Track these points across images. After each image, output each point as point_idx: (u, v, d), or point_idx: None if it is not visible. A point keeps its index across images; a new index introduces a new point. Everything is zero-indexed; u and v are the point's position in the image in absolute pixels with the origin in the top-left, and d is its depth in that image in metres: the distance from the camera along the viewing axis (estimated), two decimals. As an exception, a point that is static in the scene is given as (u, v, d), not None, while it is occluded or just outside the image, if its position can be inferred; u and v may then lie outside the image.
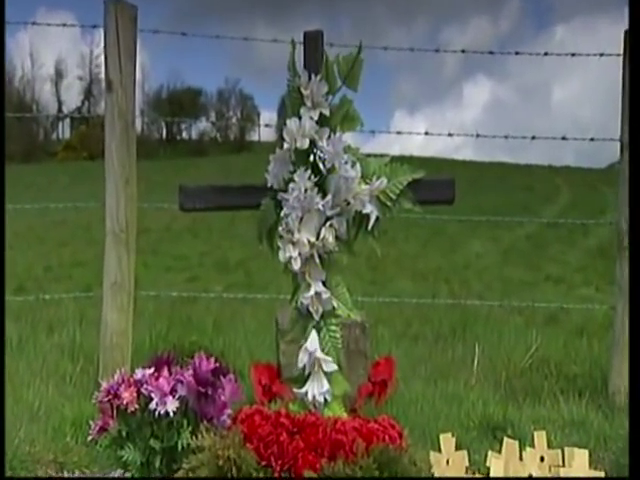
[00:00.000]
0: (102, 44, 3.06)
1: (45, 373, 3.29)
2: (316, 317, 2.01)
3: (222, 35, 4.19)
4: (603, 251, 10.06)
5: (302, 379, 2.01)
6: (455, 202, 2.16)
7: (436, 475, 1.95)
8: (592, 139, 3.77)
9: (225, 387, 1.92)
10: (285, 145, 2.05)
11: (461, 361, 3.76)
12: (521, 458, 2.00)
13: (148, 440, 1.86)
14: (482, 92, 78.13)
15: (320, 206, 2.00)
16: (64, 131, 47.17)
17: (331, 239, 2.01)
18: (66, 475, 2.25)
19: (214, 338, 3.93)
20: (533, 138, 3.82)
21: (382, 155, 2.15)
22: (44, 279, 8.83)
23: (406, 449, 1.77)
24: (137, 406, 1.88)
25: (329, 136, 2.04)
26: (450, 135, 3.92)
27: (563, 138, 3.81)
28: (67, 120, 45.70)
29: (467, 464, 2.06)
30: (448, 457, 2.04)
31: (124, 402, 1.87)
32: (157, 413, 1.85)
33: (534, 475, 1.99)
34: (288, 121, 2.04)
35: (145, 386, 1.88)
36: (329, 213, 2.03)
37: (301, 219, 2.02)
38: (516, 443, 2.01)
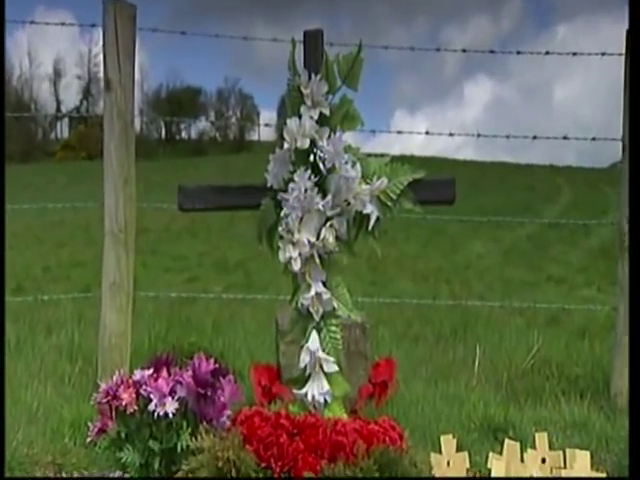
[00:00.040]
0: (101, 43, 3.05)
1: (43, 374, 3.28)
2: (316, 318, 2.01)
3: (221, 34, 4.17)
4: (605, 251, 10.05)
5: (302, 380, 2.00)
6: (456, 202, 2.15)
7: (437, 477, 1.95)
8: (594, 139, 3.75)
9: (224, 388, 1.91)
10: (285, 145, 2.05)
11: (462, 362, 3.75)
12: (522, 460, 1.99)
13: (147, 441, 1.86)
14: (483, 91, 78.19)
15: (320, 206, 2.00)
16: (62, 131, 47.23)
17: (331, 239, 2.01)
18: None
19: (213, 339, 3.92)
20: (534, 138, 3.82)
21: (382, 155, 2.15)
22: (42, 280, 8.83)
23: (407, 450, 1.77)
24: (136, 407, 1.87)
25: (329, 136, 2.03)
26: (451, 135, 3.91)
27: (565, 138, 3.80)
28: (65, 119, 45.79)
29: (468, 466, 2.05)
30: (449, 459, 2.03)
31: (123, 403, 1.87)
32: (156, 414, 1.84)
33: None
34: (288, 121, 2.03)
35: (144, 387, 1.87)
36: (329, 213, 2.02)
37: (301, 219, 2.01)
38: (517, 445, 2.00)
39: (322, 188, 2.03)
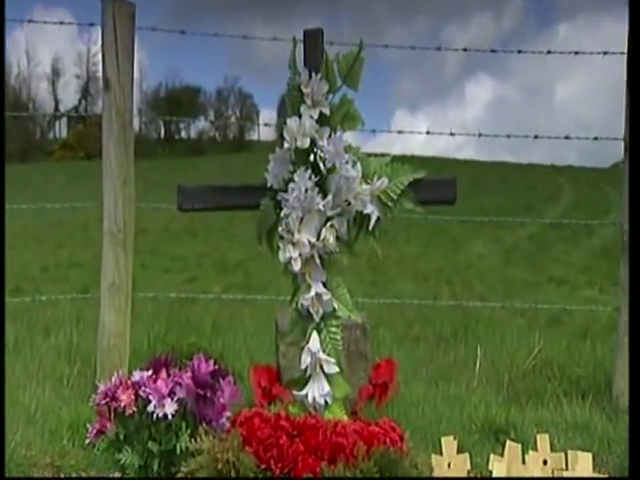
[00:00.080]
0: (99, 42, 3.04)
1: (41, 375, 3.27)
2: (316, 319, 2.00)
3: (221, 33, 4.16)
4: (607, 252, 10.05)
5: (302, 381, 1.99)
6: (457, 202, 2.14)
7: (438, 479, 1.94)
8: (596, 138, 3.74)
9: (224, 389, 1.91)
10: (285, 144, 2.03)
11: (463, 363, 3.74)
12: (524, 461, 1.99)
13: (146, 443, 1.85)
14: (484, 91, 78.08)
15: (321, 206, 1.99)
16: (61, 130, 47.22)
17: (332, 240, 2.00)
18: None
19: (213, 340, 3.90)
20: (536, 137, 3.81)
21: (383, 154, 2.14)
22: (40, 280, 8.83)
23: (407, 452, 1.76)
24: (135, 409, 1.87)
25: (330, 135, 2.02)
26: (452, 134, 3.90)
27: (566, 137, 3.79)
28: (64, 119, 45.75)
29: (469, 467, 2.04)
30: (450, 460, 2.02)
31: (122, 405, 1.86)
32: (155, 416, 1.83)
33: (537, 479, 1.97)
34: (288, 120, 2.02)
35: (143, 388, 1.86)
36: (330, 213, 2.01)
37: (301, 219, 2.00)
38: (519, 446, 2.00)
39: (322, 188, 2.02)
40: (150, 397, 1.84)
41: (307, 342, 1.99)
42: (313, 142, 2.02)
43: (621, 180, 3.21)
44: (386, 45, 3.88)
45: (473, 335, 4.41)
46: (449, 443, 2.03)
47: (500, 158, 32.96)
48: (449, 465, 2.01)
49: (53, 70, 47.06)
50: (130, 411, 1.86)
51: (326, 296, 1.99)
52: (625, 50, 3.20)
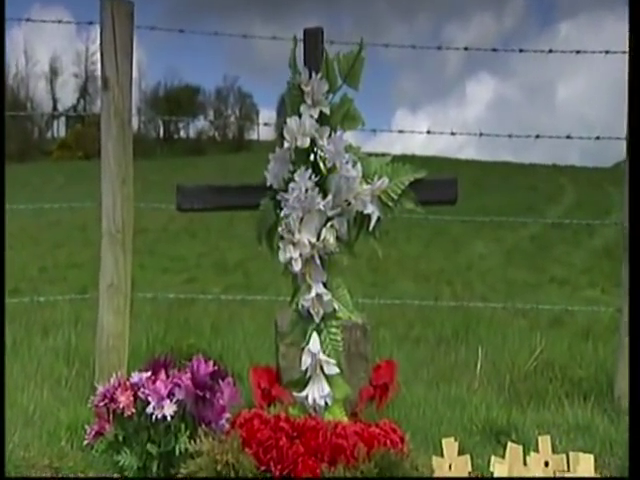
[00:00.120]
0: (98, 41, 3.03)
1: (40, 377, 3.25)
2: (317, 319, 1.99)
3: (220, 32, 4.15)
4: (609, 252, 10.04)
5: (302, 382, 1.99)
6: (458, 202, 2.14)
7: (439, 481, 1.93)
8: (597, 138, 3.73)
9: (223, 391, 1.90)
10: (285, 144, 2.03)
11: (464, 364, 3.73)
12: (525, 463, 1.98)
13: (145, 445, 1.85)
14: (485, 90, 77.87)
15: (321, 206, 1.98)
16: (59, 130, 47.10)
17: (332, 240, 1.99)
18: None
19: (212, 341, 3.89)
20: (537, 137, 3.80)
21: (383, 154, 2.14)
22: (39, 281, 8.81)
23: (408, 454, 1.76)
24: (134, 410, 1.87)
25: (330, 135, 2.02)
26: (453, 134, 3.89)
27: (568, 137, 3.78)
28: (62, 118, 45.55)
29: (470, 469, 2.03)
30: (450, 462, 2.01)
31: (120, 406, 1.86)
32: (154, 417, 1.83)
33: (538, 480, 1.96)
34: (288, 120, 2.02)
35: (142, 390, 1.86)
36: (330, 213, 2.00)
37: (301, 219, 1.99)
38: (520, 448, 1.99)
39: (322, 188, 2.01)
40: (149, 398, 1.84)
41: (307, 343, 1.99)
42: (313, 142, 2.01)
43: (623, 180, 3.20)
44: (386, 44, 3.87)
45: (474, 336, 4.39)
46: (450, 445, 2.02)
47: (501, 158, 33.04)
48: (450, 467, 2.00)
49: (51, 69, 46.98)
50: (129, 412, 1.86)
51: (326, 297, 1.98)
52: (627, 49, 3.19)
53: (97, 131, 3.10)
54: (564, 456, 2.00)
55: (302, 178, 1.98)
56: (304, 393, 1.96)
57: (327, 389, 1.96)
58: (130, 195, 3.05)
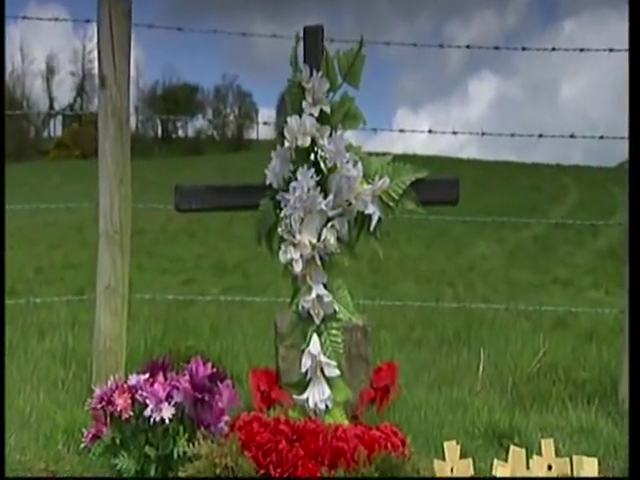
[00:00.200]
0: (95, 39, 3.01)
1: (36, 379, 3.24)
2: (317, 321, 1.98)
3: (219, 30, 4.14)
4: (613, 253, 10.04)
5: (302, 385, 1.98)
6: (459, 202, 2.14)
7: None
8: (601, 137, 3.73)
9: (222, 393, 1.90)
10: (285, 143, 2.01)
11: (466, 366, 3.71)
12: (528, 467, 1.96)
13: (143, 448, 1.84)
14: (488, 89, 77.67)
15: (322, 206, 1.96)
16: (56, 129, 46.83)
17: (332, 240, 1.98)
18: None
19: (211, 342, 3.88)
20: (540, 136, 3.79)
21: (384, 154, 2.13)
22: (35, 282, 8.77)
23: (409, 457, 1.76)
24: (131, 413, 1.86)
25: (330, 134, 2.01)
26: (454, 133, 3.89)
27: (571, 136, 3.78)
28: (59, 117, 45.25)
29: (472, 473, 2.02)
30: (452, 465, 1.99)
31: (118, 409, 1.85)
32: (152, 420, 1.82)
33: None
34: (289, 119, 2.00)
35: (140, 392, 1.86)
36: (330, 214, 1.99)
37: (302, 220, 1.97)
38: (523, 451, 1.98)
39: (323, 188, 2.00)
40: (147, 401, 1.83)
41: (307, 345, 1.98)
42: (314, 141, 2.00)
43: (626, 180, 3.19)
44: (388, 42, 3.87)
45: (476, 338, 4.37)
46: (452, 448, 2.00)
47: (504, 157, 32.96)
48: (452, 470, 1.99)
49: (48, 67, 46.76)
50: (126, 415, 1.85)
51: (327, 298, 1.97)
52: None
53: (94, 130, 3.08)
54: (567, 459, 1.99)
55: (304, 177, 1.97)
56: (304, 396, 1.95)
57: (328, 392, 1.94)
58: (128, 195, 3.03)
